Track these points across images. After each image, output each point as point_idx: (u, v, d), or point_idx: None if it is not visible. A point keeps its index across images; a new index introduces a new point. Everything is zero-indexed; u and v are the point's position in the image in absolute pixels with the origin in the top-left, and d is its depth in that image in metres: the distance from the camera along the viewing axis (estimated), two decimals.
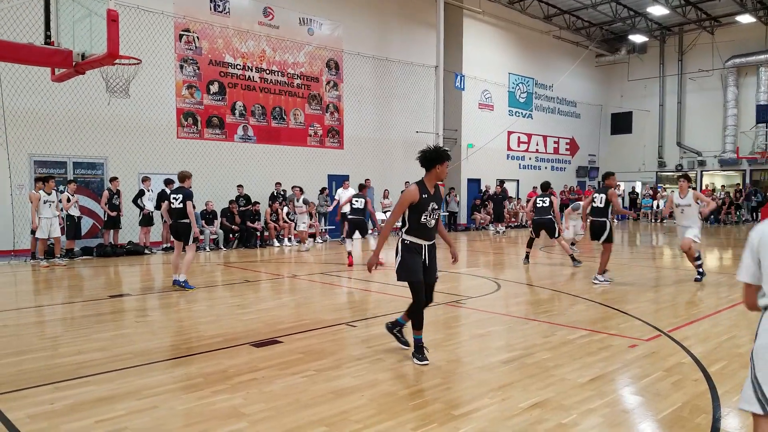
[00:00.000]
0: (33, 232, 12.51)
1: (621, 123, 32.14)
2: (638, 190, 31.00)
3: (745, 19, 25.54)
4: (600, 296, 8.28)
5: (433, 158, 5.15)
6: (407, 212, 5.10)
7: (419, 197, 5.01)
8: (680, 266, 11.21)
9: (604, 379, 4.63)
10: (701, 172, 29.47)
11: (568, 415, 3.89)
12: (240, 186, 16.72)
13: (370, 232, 12.28)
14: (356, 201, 12.15)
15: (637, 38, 28.95)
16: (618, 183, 12.87)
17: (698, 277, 9.66)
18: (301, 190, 16.32)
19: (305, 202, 16.38)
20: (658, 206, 27.61)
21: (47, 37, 6.57)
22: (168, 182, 14.13)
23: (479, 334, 6.14)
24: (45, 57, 6.43)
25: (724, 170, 29.22)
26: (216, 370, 4.86)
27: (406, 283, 5.16)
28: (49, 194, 12.07)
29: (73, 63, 6.25)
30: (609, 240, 9.70)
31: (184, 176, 9.38)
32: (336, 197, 16.55)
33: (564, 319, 6.77)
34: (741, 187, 28.00)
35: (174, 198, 9.20)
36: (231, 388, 4.42)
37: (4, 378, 4.66)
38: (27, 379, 4.64)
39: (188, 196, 9.14)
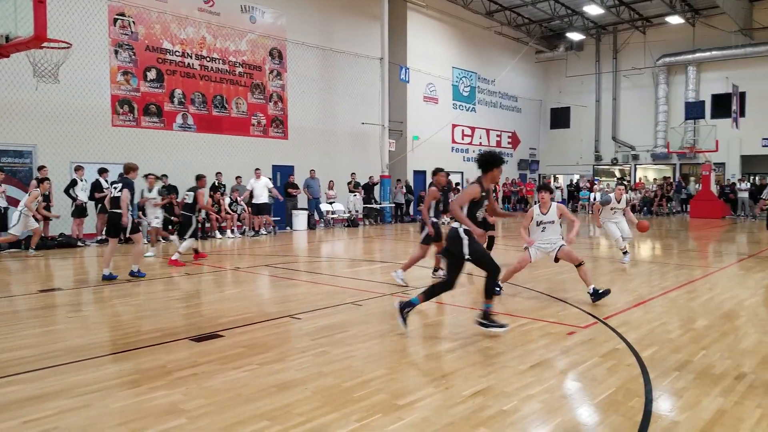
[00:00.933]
0: None
1: (560, 118, 33.14)
2: (576, 182, 32.04)
3: (675, 20, 26.75)
4: (540, 285, 8.51)
5: (492, 162, 5.72)
6: (466, 206, 5.69)
7: (480, 195, 5.65)
8: (615, 256, 11.66)
9: (543, 366, 4.75)
10: (635, 165, 30.74)
11: (509, 401, 3.97)
12: (158, 175, 15.68)
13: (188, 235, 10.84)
14: (186, 196, 11.04)
15: (575, 36, 29.87)
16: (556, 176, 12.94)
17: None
18: (156, 177, 13.54)
19: (162, 192, 13.42)
20: (594, 198, 28.64)
21: None
22: (102, 171, 13.54)
23: (425, 324, 6.20)
24: None
25: (656, 164, 30.58)
26: (154, 366, 4.71)
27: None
28: None
29: None
30: (427, 241, 8.44)
31: (129, 168, 9.42)
32: (248, 187, 16.56)
33: (506, 308, 6.92)
34: (672, 180, 29.40)
35: (114, 187, 9.26)
36: (169, 384, 4.28)
37: None
38: None
39: (128, 185, 9.08)
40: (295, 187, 19.01)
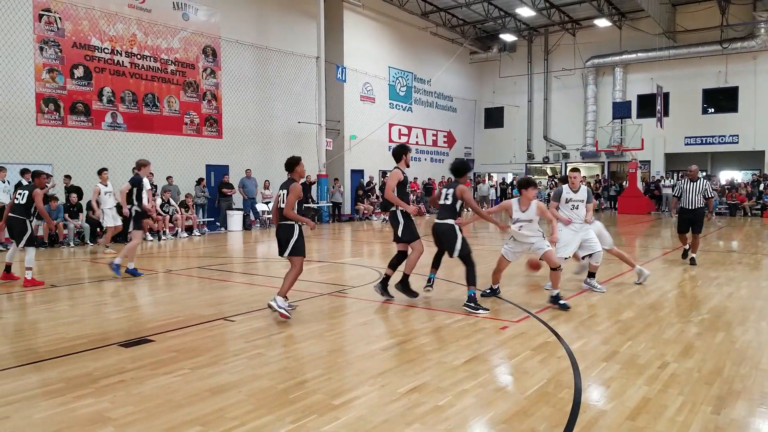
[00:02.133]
0: None
1: (493, 117, 33.96)
2: (509, 180, 32.91)
3: (603, 23, 27.91)
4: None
5: (466, 169, 7.39)
6: (460, 204, 6.87)
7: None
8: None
9: (477, 361, 4.87)
10: (565, 163, 31.89)
11: (444, 397, 4.05)
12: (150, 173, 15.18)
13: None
14: (19, 196, 8.99)
15: (507, 37, 30.70)
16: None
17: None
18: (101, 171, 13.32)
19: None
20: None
21: None
22: (24, 172, 12.85)
23: (361, 323, 6.22)
24: None
25: (585, 162, 31.84)
26: (79, 374, 4.51)
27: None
28: None
29: None
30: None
31: (140, 164, 9.63)
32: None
33: (442, 305, 7.04)
34: (600, 177, 30.68)
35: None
36: (96, 392, 4.12)
37: None
38: None
39: (137, 181, 9.27)
40: (230, 186, 18.66)
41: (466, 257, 6.80)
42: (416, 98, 28.91)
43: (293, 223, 6.26)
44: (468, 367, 4.70)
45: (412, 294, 7.26)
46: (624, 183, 28.87)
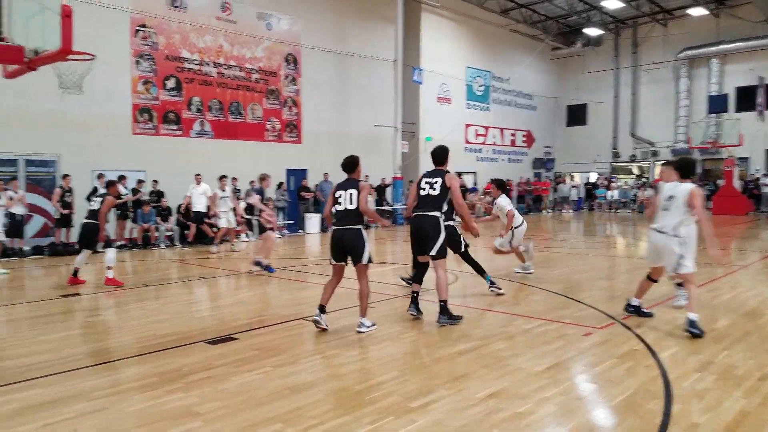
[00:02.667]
0: None
1: (576, 115, 32.82)
2: (593, 180, 31.73)
3: (697, 12, 26.28)
4: (556, 286, 8.43)
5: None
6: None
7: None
8: (633, 255, 11.52)
9: (559, 368, 4.71)
10: (654, 162, 30.32)
11: (524, 404, 3.94)
12: (234, 178, 16.30)
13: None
14: (93, 202, 9.17)
15: (592, 31, 29.54)
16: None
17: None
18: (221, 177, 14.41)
19: (152, 197, 13.70)
20: (612, 196, 28.37)
21: None
22: (99, 176, 13.65)
23: (436, 326, 6.18)
24: None
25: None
26: (169, 369, 4.76)
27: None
28: None
29: (26, 59, 6.04)
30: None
31: (261, 177, 10.62)
32: (188, 193, 15.07)
33: (521, 309, 6.88)
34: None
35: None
36: (185, 387, 4.33)
37: None
38: None
39: (259, 192, 10.16)
40: (308, 190, 19.12)
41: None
42: (494, 97, 28.45)
43: (361, 227, 5.83)
44: (549, 373, 4.56)
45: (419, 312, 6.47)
46: (718, 182, 27.07)
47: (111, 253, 9.03)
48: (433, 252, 6.01)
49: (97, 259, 9.72)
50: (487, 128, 28.05)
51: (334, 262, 5.95)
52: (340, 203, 5.91)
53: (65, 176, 13.71)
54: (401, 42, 21.71)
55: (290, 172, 19.64)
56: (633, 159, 31.09)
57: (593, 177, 31.79)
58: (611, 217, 25.39)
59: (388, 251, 14.58)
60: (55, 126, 14.26)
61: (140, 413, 3.88)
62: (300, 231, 18.71)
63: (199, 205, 14.70)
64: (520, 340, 5.55)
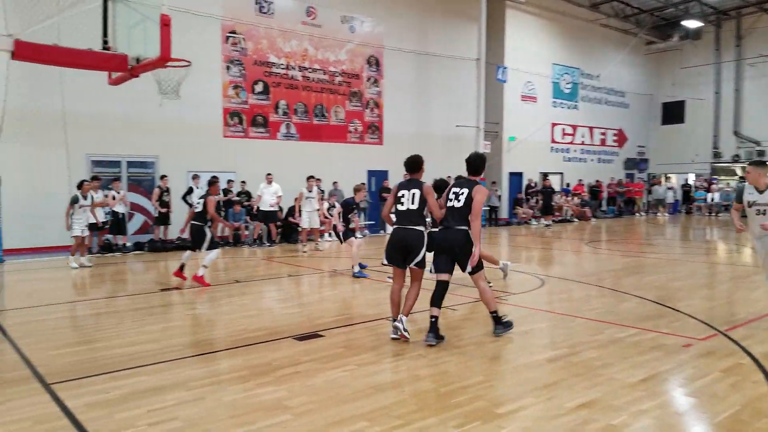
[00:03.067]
0: (91, 227, 13.09)
1: (673, 112, 31.01)
2: (691, 182, 29.91)
3: None
4: (650, 293, 8.02)
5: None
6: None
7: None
8: (736, 262, 10.76)
9: (656, 380, 4.48)
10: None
11: (618, 416, 3.77)
12: (318, 179, 16.89)
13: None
14: (197, 204, 9.33)
15: (691, 24, 27.81)
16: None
17: None
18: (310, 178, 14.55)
19: (240, 198, 14.18)
20: (712, 199, 26.61)
21: (105, 42, 6.82)
22: (194, 177, 14.36)
23: (522, 331, 6.03)
24: (103, 61, 6.70)
25: None
26: (260, 363, 4.94)
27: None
28: (84, 198, 11.86)
29: (129, 66, 6.48)
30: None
31: (356, 189, 10.66)
32: (259, 192, 15.32)
33: (613, 317, 6.59)
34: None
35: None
36: (275, 381, 4.48)
37: (63, 367, 4.85)
38: (84, 369, 4.81)
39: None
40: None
41: (478, 273, 5.72)
42: (583, 95, 27.45)
43: (422, 229, 5.60)
44: (645, 385, 4.34)
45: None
46: None
47: (213, 254, 9.26)
48: (468, 269, 5.65)
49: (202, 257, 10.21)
50: (575, 127, 27.12)
51: (386, 262, 5.76)
52: (402, 203, 5.71)
53: (163, 177, 14.59)
54: (484, 40, 21.41)
55: (371, 174, 19.87)
56: (736, 159, 28.96)
57: (691, 178, 29.98)
58: (711, 221, 23.86)
59: None
60: (154, 130, 15.19)
61: (234, 404, 4.04)
62: (381, 231, 18.87)
63: (268, 205, 15.11)
64: (613, 349, 5.31)
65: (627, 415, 3.79)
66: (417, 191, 5.65)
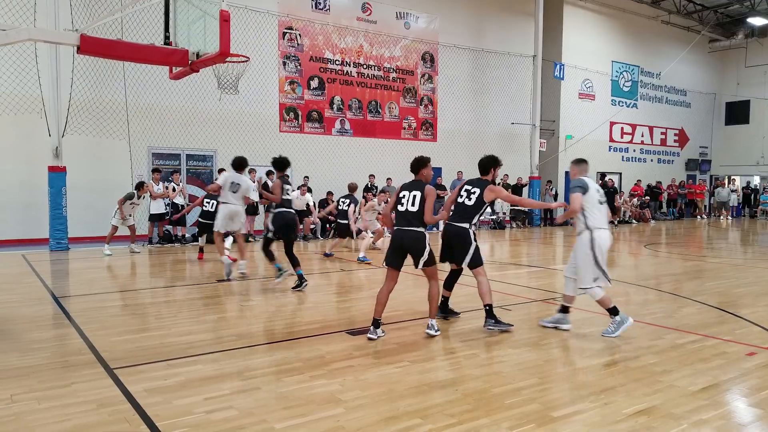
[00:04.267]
0: (152, 217, 13.63)
1: (737, 112, 29.64)
2: (755, 184, 28.53)
3: None
4: (712, 299, 7.71)
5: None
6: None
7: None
8: None
9: (718, 389, 4.31)
10: None
11: (678, 424, 3.65)
12: (371, 176, 17.52)
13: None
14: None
15: (757, 21, 26.47)
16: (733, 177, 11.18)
17: None
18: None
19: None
20: None
21: (166, 38, 7.04)
22: (251, 171, 14.61)
23: (579, 335, 5.90)
24: (164, 56, 6.89)
25: None
26: (314, 356, 5.01)
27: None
28: (138, 198, 12.40)
29: (189, 62, 6.66)
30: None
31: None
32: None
33: (673, 322, 6.37)
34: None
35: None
36: (328, 374, 4.54)
37: (125, 353, 5.06)
38: (144, 356, 5.00)
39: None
40: (442, 188, 19.15)
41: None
42: (642, 93, 26.58)
43: (423, 230, 5.61)
44: (707, 394, 4.18)
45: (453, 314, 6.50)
46: None
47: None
48: (465, 263, 5.97)
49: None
50: (634, 126, 26.30)
51: (385, 264, 5.77)
52: (402, 204, 5.68)
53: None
54: (541, 37, 21.03)
55: None
56: None
57: (755, 181, 28.60)
58: None
59: (523, 253, 14.22)
60: (213, 124, 15.62)
61: (288, 395, 4.12)
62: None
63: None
64: (673, 355, 5.14)
65: (687, 424, 3.66)
66: (418, 193, 5.61)
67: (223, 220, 9.18)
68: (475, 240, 5.95)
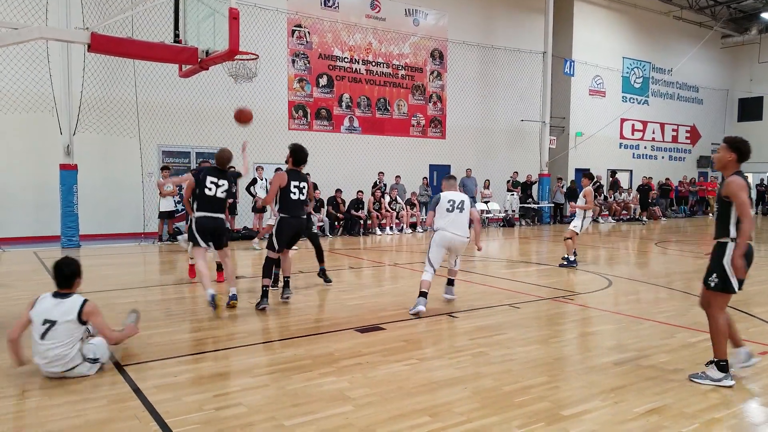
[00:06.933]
0: (161, 215, 13.71)
1: (750, 109, 29.34)
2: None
3: None
4: None
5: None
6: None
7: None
8: None
9: (731, 388, 4.26)
10: None
11: (690, 423, 3.62)
12: (381, 173, 17.55)
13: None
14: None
15: None
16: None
17: None
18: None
19: None
20: None
21: (176, 36, 7.06)
22: (258, 168, 14.69)
23: (588, 332, 5.87)
24: (174, 54, 6.92)
25: None
26: (323, 353, 5.01)
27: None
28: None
29: (198, 59, 6.68)
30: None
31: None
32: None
33: (684, 321, 6.32)
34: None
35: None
36: (337, 371, 4.54)
37: (136, 350, 5.09)
38: (153, 353, 5.03)
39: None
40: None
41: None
42: (654, 90, 26.37)
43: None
44: (719, 393, 4.14)
45: None
46: None
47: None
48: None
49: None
50: (645, 123, 26.12)
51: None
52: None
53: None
54: (551, 33, 20.90)
55: (433, 168, 19.80)
56: None
57: None
58: None
59: (533, 251, 14.16)
60: (221, 121, 15.63)
61: (297, 392, 4.12)
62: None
63: None
64: (685, 354, 5.09)
65: (699, 423, 3.63)
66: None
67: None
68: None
